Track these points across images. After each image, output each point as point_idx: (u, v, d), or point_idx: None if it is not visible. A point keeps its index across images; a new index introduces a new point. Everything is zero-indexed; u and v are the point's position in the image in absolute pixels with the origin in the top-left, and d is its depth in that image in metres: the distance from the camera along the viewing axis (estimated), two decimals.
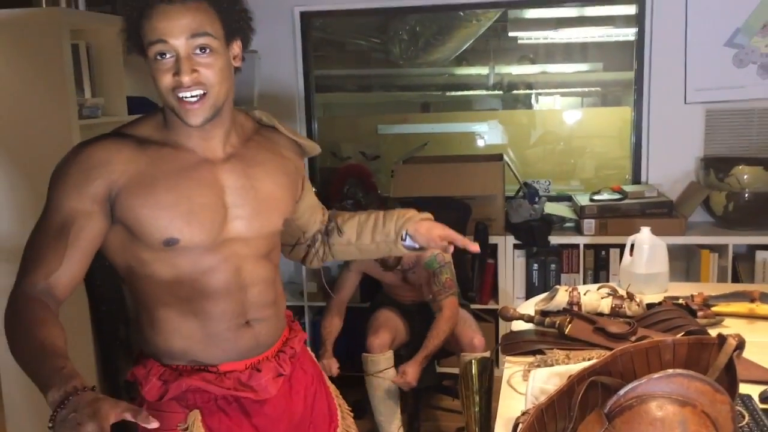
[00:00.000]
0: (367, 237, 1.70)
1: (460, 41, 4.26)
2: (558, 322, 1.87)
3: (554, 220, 3.70)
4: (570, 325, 1.84)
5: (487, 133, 4.42)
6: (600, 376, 1.16)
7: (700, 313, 1.99)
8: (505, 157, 3.89)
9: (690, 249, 3.64)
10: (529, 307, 2.11)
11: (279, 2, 3.90)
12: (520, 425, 1.24)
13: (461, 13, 4.11)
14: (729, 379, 1.13)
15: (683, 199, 3.69)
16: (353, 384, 2.64)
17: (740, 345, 1.16)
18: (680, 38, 3.64)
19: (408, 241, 1.66)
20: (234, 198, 1.43)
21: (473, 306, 3.44)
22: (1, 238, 2.68)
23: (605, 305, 2.00)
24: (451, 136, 4.50)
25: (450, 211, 3.35)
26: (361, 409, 2.94)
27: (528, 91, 4.49)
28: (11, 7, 2.60)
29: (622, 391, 1.05)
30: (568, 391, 1.18)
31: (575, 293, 2.02)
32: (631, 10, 3.82)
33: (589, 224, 3.59)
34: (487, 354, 2.86)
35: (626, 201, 3.61)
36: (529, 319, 1.96)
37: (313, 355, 1.73)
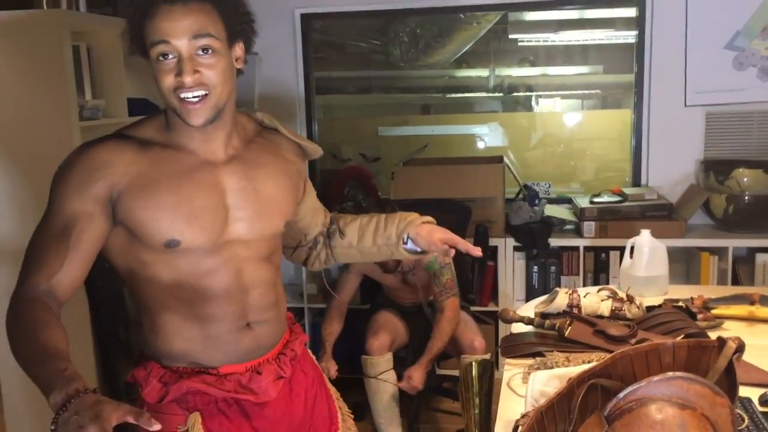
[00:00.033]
0: (369, 240, 1.70)
1: (460, 43, 4.27)
2: (558, 324, 1.87)
3: (554, 223, 3.70)
4: (570, 328, 1.84)
5: (488, 135, 4.42)
6: (600, 378, 1.16)
7: (700, 316, 1.99)
8: (506, 160, 3.89)
9: (690, 252, 3.64)
10: (529, 309, 2.11)
11: (279, 4, 3.91)
12: (520, 428, 1.24)
13: (462, 16, 4.11)
14: (729, 382, 1.13)
15: (683, 202, 3.69)
16: (353, 386, 2.64)
17: (740, 348, 1.17)
18: (680, 41, 3.64)
19: (409, 245, 1.66)
20: (235, 200, 1.43)
21: (473, 308, 3.44)
22: (2, 240, 2.68)
23: (605, 308, 1.99)
24: (452, 138, 4.51)
25: (450, 213, 3.35)
26: (361, 411, 2.94)
27: (528, 94, 4.49)
28: (12, 9, 2.60)
29: (621, 394, 1.06)
30: (567, 393, 1.18)
31: (575, 295, 2.01)
32: (631, 12, 3.83)
33: (589, 226, 3.59)
34: (488, 356, 2.85)
35: (626, 203, 3.61)
36: (528, 321, 1.96)
37: (314, 357, 1.73)
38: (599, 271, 3.63)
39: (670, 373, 1.06)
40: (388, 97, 4.79)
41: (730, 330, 1.98)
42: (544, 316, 1.99)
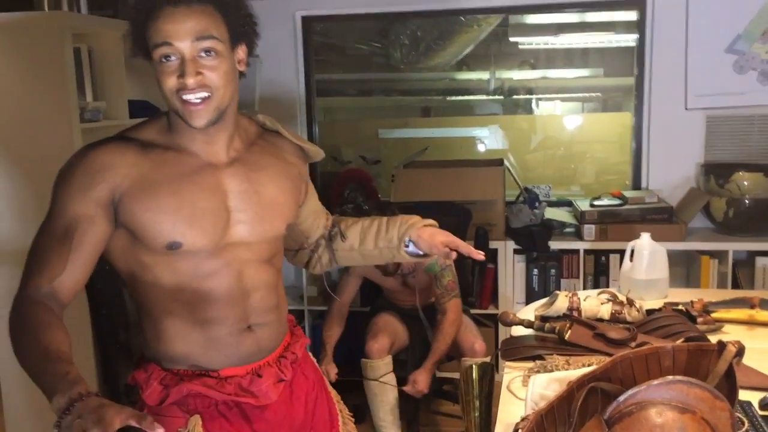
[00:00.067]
0: (370, 243, 1.69)
1: (460, 46, 4.27)
2: (558, 327, 1.87)
3: (554, 226, 3.70)
4: (570, 331, 1.84)
5: (488, 138, 4.42)
6: (600, 382, 1.16)
7: (699, 320, 1.99)
8: (506, 162, 3.89)
9: (690, 255, 3.64)
10: (529, 312, 2.11)
11: (281, 7, 3.91)
12: (520, 431, 1.24)
13: (462, 18, 4.12)
14: (729, 385, 1.13)
15: (683, 205, 3.69)
16: (353, 388, 2.64)
17: (740, 351, 1.17)
18: (681, 44, 3.65)
19: (411, 248, 1.66)
20: (237, 202, 1.44)
21: (473, 311, 3.44)
22: (3, 242, 2.69)
23: (605, 311, 1.99)
24: (452, 141, 4.51)
25: (450, 215, 3.35)
26: (361, 413, 2.94)
27: (528, 96, 4.49)
28: (13, 11, 2.60)
29: (621, 398, 1.06)
30: (567, 396, 1.18)
31: (575, 299, 2.01)
32: (632, 15, 3.83)
33: (589, 229, 3.59)
34: (488, 359, 2.85)
35: (626, 206, 3.61)
36: (529, 324, 1.96)
37: (314, 360, 1.73)
38: (599, 274, 3.63)
39: (670, 377, 1.06)
40: (389, 100, 4.80)
41: (730, 333, 1.98)
42: (544, 319, 1.99)
